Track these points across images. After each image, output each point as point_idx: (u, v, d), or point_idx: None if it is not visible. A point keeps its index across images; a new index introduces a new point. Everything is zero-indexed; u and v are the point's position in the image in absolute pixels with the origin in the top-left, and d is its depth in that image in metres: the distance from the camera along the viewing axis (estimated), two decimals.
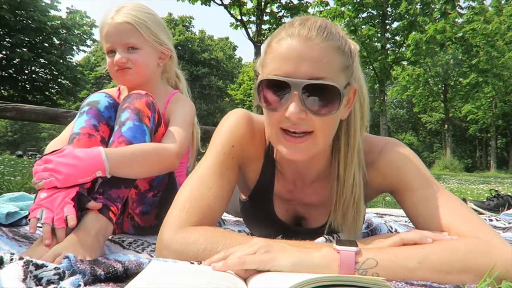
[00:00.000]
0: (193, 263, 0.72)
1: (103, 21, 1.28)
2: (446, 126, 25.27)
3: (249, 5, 14.66)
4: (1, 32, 18.05)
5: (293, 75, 0.76)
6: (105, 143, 1.13)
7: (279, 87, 0.78)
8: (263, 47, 0.88)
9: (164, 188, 1.23)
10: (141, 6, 1.31)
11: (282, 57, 0.77)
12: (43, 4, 19.44)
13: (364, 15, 17.27)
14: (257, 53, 14.21)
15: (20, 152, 23.17)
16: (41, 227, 0.90)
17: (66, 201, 0.92)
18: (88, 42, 24.55)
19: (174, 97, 1.39)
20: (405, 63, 18.37)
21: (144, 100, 1.14)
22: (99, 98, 1.18)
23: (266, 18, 14.71)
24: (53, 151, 0.98)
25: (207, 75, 30.45)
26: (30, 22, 18.73)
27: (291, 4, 14.65)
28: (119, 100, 1.36)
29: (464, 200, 2.31)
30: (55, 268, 0.68)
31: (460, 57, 20.46)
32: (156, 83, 1.39)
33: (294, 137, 0.80)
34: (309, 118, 0.78)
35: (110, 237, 1.22)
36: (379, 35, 16.94)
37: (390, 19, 17.36)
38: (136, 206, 1.23)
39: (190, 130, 1.28)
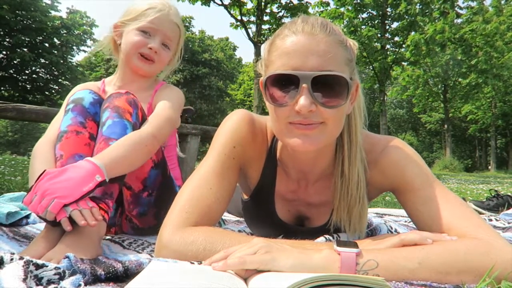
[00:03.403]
0: (193, 263, 0.72)
1: (155, 5, 1.32)
2: (445, 126, 25.23)
3: (249, 5, 14.67)
4: (2, 32, 18.05)
5: (301, 69, 0.76)
6: (93, 139, 1.12)
7: (287, 82, 0.78)
8: (265, 47, 0.88)
9: (158, 186, 1.23)
10: (180, 15, 1.41)
11: (288, 53, 0.78)
12: (44, 4, 19.44)
13: (364, 15, 17.31)
14: (257, 53, 14.22)
15: None
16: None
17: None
18: (88, 42, 24.58)
19: (162, 87, 1.42)
20: (404, 63, 18.38)
21: (124, 97, 1.14)
22: (83, 95, 1.18)
23: (266, 18, 14.72)
24: (36, 180, 0.90)
25: (207, 75, 30.39)
26: (30, 22, 18.74)
27: (291, 4, 14.66)
28: (104, 93, 1.38)
29: (464, 200, 2.31)
30: (55, 268, 0.68)
31: (459, 58, 20.43)
32: (153, 77, 1.45)
33: (305, 124, 0.79)
34: (319, 111, 0.78)
35: (110, 237, 1.22)
36: (379, 35, 16.96)
37: (389, 19, 17.38)
38: (133, 208, 1.23)
39: (173, 113, 1.26)
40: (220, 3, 14.13)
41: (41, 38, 19.63)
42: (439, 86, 24.87)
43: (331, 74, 0.77)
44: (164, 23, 1.31)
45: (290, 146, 0.83)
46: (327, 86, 0.77)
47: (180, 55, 1.48)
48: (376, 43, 17.02)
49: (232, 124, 0.95)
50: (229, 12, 14.41)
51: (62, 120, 1.15)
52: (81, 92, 1.20)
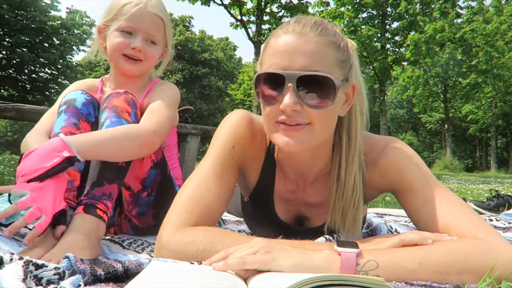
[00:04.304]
0: (193, 263, 0.72)
1: (130, 0, 1.24)
2: (446, 126, 25.24)
3: (249, 5, 14.66)
4: (1, 32, 18.05)
5: (288, 68, 0.77)
6: None
7: (275, 81, 0.79)
8: (262, 47, 0.89)
9: (157, 186, 1.22)
10: (163, 4, 1.32)
11: (278, 52, 0.79)
12: (43, 4, 19.44)
13: (364, 15, 17.30)
14: (257, 53, 14.22)
15: None
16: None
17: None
18: (88, 42, 24.59)
19: (156, 84, 1.37)
20: (405, 63, 18.37)
21: (123, 97, 1.13)
22: (75, 96, 1.18)
23: (266, 18, 14.71)
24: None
25: (207, 75, 30.36)
26: (30, 22, 18.74)
27: (291, 4, 14.65)
28: (101, 92, 1.36)
29: (464, 200, 2.31)
30: (55, 268, 0.68)
31: (459, 58, 20.43)
32: (147, 75, 1.40)
33: (290, 125, 0.80)
34: (305, 111, 0.78)
35: (109, 237, 1.22)
36: (379, 35, 16.96)
37: (390, 19, 17.38)
38: (132, 208, 1.22)
39: (171, 110, 1.22)
40: (220, 3, 14.13)
41: (40, 38, 19.62)
42: (439, 86, 24.89)
43: (317, 74, 0.77)
44: (143, 18, 1.23)
45: (277, 145, 0.84)
46: (314, 87, 0.77)
47: (173, 46, 1.41)
48: (376, 43, 17.01)
49: (231, 124, 0.95)
50: (229, 12, 14.41)
51: (55, 122, 1.15)
52: (73, 93, 1.20)
